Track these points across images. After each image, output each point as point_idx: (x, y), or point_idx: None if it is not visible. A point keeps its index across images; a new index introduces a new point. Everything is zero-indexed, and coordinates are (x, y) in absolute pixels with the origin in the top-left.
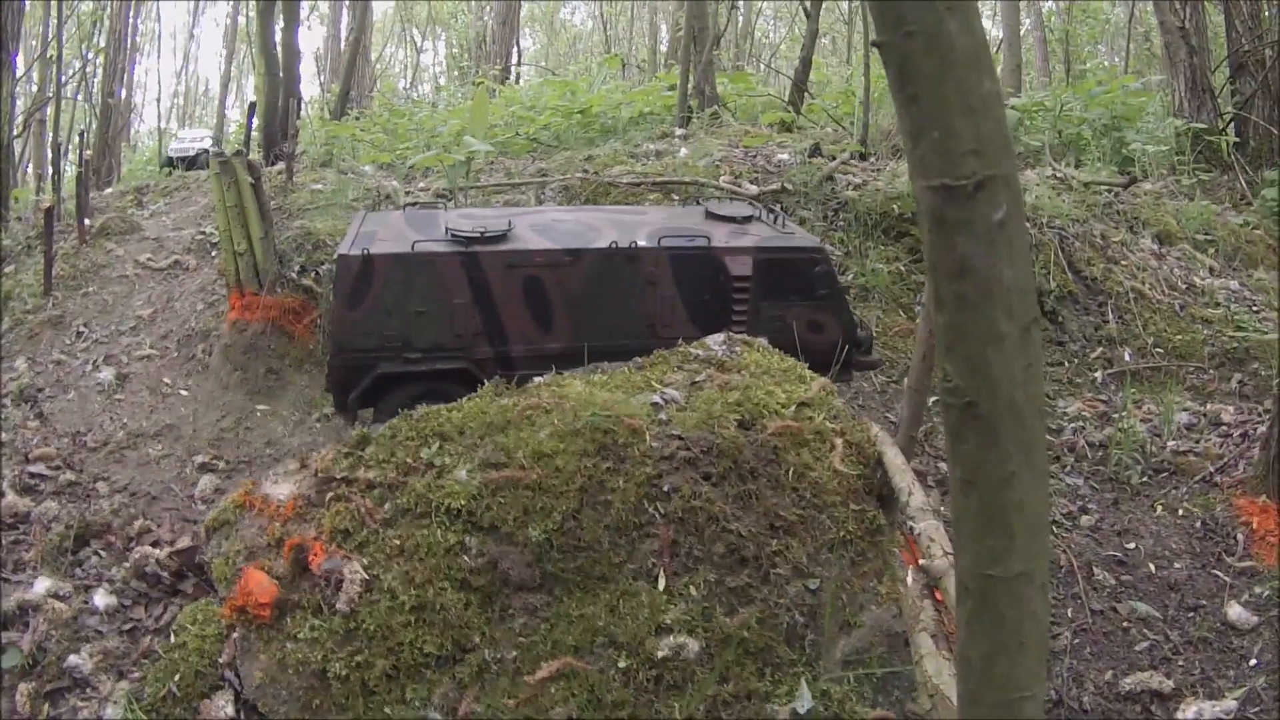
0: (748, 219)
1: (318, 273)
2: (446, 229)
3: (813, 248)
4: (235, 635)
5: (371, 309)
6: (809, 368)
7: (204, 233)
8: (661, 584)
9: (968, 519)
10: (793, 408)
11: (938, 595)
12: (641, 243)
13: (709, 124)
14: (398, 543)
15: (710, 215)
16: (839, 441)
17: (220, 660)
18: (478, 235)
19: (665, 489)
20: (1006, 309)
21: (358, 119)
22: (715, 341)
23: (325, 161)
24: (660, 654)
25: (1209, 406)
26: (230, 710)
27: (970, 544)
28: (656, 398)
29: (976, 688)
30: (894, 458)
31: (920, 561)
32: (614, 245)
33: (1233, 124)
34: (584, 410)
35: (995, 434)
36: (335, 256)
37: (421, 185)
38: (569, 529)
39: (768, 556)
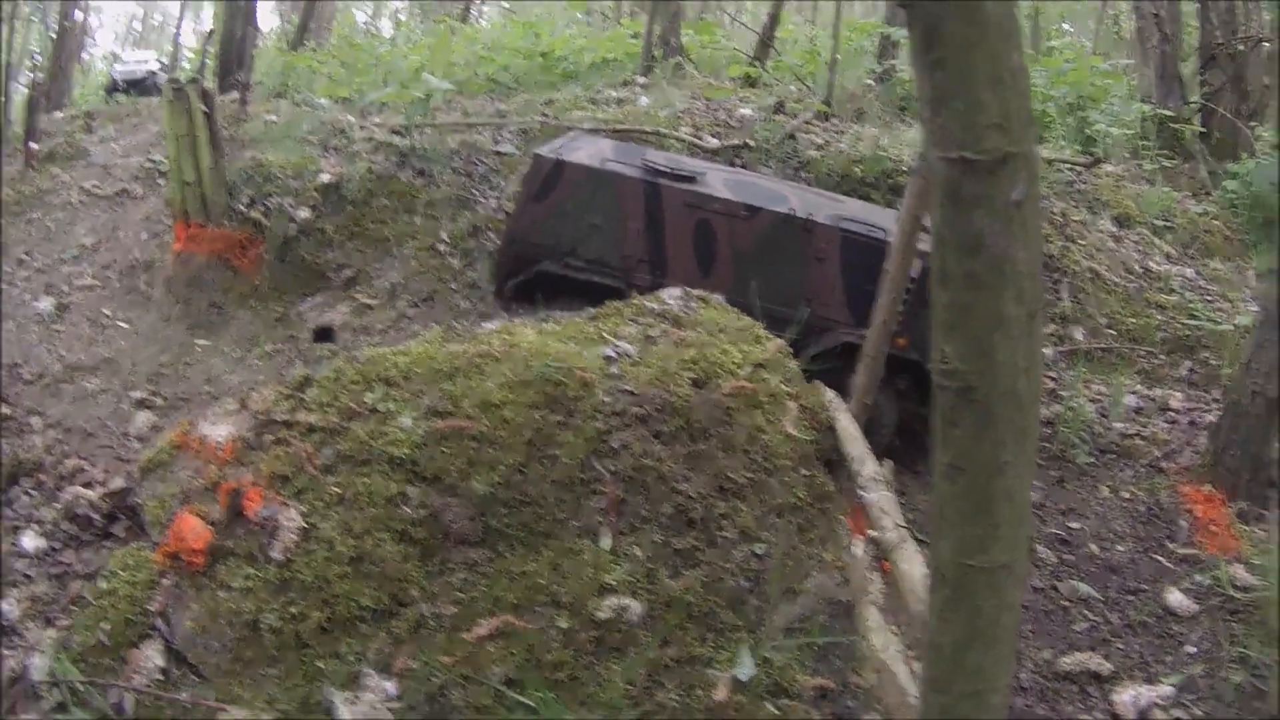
0: None
1: (267, 206)
2: (643, 160)
3: None
4: (167, 582)
5: (552, 209)
6: None
7: (153, 161)
8: (606, 543)
9: (952, 505)
10: (748, 368)
11: (885, 567)
12: (820, 219)
13: (672, 74)
14: (337, 490)
15: None
16: (792, 405)
17: (151, 608)
18: (666, 170)
19: (614, 445)
20: (1016, 292)
21: (315, 51)
22: (671, 295)
23: (280, 93)
24: (602, 615)
25: (1158, 391)
26: (159, 660)
27: (952, 531)
28: (609, 350)
29: (945, 675)
30: (847, 425)
31: (872, 533)
32: (791, 211)
33: (1199, 114)
34: (535, 360)
35: (991, 421)
36: (531, 155)
37: (377, 120)
38: (514, 483)
39: (715, 519)
